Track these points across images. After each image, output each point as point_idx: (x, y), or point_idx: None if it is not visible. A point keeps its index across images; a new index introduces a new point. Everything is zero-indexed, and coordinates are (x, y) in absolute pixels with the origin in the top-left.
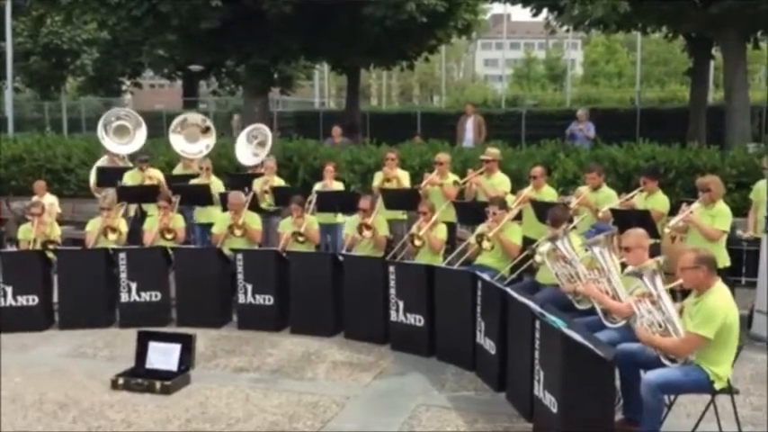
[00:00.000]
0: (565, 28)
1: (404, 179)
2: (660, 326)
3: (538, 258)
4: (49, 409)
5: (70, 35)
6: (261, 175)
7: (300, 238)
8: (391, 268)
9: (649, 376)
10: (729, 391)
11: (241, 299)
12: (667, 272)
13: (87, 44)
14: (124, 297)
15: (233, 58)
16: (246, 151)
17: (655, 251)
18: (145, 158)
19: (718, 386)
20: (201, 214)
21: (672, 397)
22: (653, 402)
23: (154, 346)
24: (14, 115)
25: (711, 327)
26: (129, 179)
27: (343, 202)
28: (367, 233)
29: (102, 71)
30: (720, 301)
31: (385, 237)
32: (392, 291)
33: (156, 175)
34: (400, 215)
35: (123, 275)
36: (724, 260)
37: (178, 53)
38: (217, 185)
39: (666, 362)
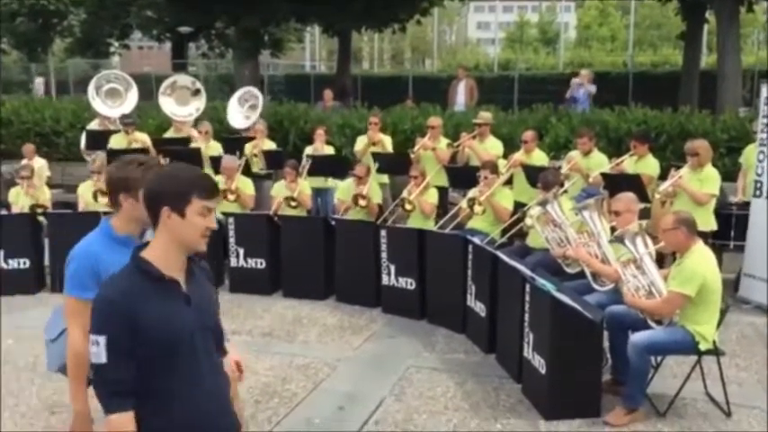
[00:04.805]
0: None
1: (387, 143)
2: (645, 289)
3: (528, 222)
4: (42, 371)
5: None
6: (252, 138)
7: (293, 203)
8: (383, 232)
9: (636, 338)
10: (715, 352)
11: (233, 262)
12: (655, 235)
13: (74, 5)
14: None
15: (222, 20)
16: (238, 114)
17: (645, 215)
18: (129, 121)
19: (702, 346)
20: None
21: (659, 358)
22: (639, 363)
23: None
24: (1, 77)
25: (692, 285)
26: (115, 143)
27: (335, 167)
28: (362, 202)
29: (89, 33)
30: (700, 260)
31: (377, 204)
32: (384, 254)
33: (141, 138)
34: (383, 179)
35: None
36: (711, 224)
37: (166, 14)
38: (215, 149)
39: (653, 324)
